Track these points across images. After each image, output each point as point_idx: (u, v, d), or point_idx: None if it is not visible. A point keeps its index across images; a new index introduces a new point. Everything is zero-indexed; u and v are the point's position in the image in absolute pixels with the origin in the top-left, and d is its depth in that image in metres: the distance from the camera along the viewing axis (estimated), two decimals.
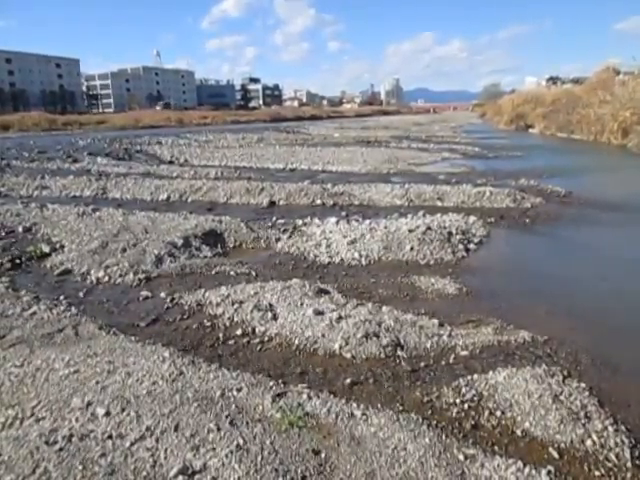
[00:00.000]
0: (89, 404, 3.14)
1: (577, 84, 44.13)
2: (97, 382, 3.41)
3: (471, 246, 6.96)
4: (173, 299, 5.12)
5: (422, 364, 3.78)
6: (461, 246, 6.81)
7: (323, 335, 4.17)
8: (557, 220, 8.63)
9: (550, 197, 10.44)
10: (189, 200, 10.82)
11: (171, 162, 18.86)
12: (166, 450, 2.71)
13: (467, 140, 28.88)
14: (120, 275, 5.86)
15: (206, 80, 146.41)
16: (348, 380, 3.54)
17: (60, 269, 6.09)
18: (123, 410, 3.07)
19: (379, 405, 3.21)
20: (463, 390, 3.38)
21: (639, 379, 3.64)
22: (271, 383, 3.44)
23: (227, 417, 3.00)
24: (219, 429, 2.88)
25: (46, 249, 6.82)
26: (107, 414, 3.03)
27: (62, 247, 6.92)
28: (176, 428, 2.90)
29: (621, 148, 22.30)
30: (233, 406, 3.13)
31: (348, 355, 3.91)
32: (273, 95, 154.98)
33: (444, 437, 2.90)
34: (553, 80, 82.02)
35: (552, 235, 7.88)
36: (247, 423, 2.96)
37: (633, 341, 4.29)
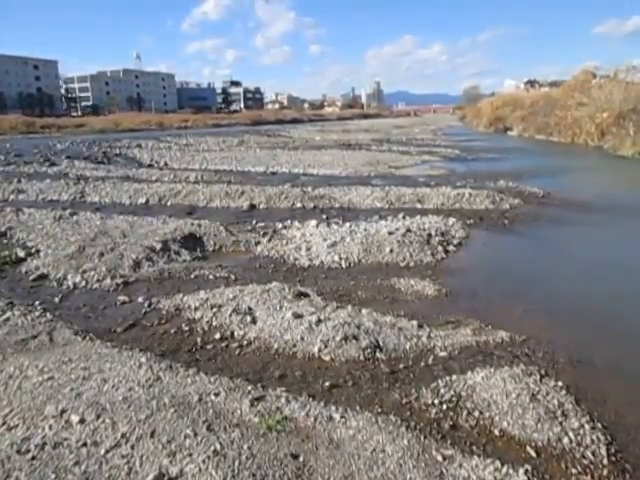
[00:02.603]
0: (63, 411, 3.08)
1: (555, 87, 44.78)
2: (72, 389, 3.35)
3: (450, 248, 7.00)
4: (151, 304, 5.07)
5: (401, 366, 3.79)
6: (440, 248, 6.85)
7: (302, 338, 4.16)
8: (535, 221, 8.74)
9: (528, 198, 10.57)
10: (168, 204, 10.73)
11: (151, 165, 18.70)
12: (142, 457, 2.67)
13: (447, 143, 29.16)
14: (97, 280, 5.78)
15: (187, 83, 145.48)
16: (327, 383, 3.53)
17: (35, 274, 5.99)
18: (98, 417, 3.02)
19: (358, 407, 3.21)
20: (442, 391, 3.40)
21: (614, 376, 3.70)
22: (249, 387, 3.42)
23: (204, 422, 2.97)
24: (196, 434, 2.85)
25: (21, 254, 6.70)
26: (82, 421, 2.97)
27: (38, 252, 6.80)
28: (152, 434, 2.85)
29: (598, 149, 22.69)
30: (211, 411, 3.10)
31: (327, 358, 3.90)
32: (254, 98, 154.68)
33: (423, 438, 2.90)
34: (531, 83, 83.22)
35: (530, 236, 7.97)
36: (225, 428, 2.93)
37: (608, 339, 4.35)
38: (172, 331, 4.45)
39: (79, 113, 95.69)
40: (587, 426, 2.98)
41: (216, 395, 3.29)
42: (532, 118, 34.32)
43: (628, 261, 6.78)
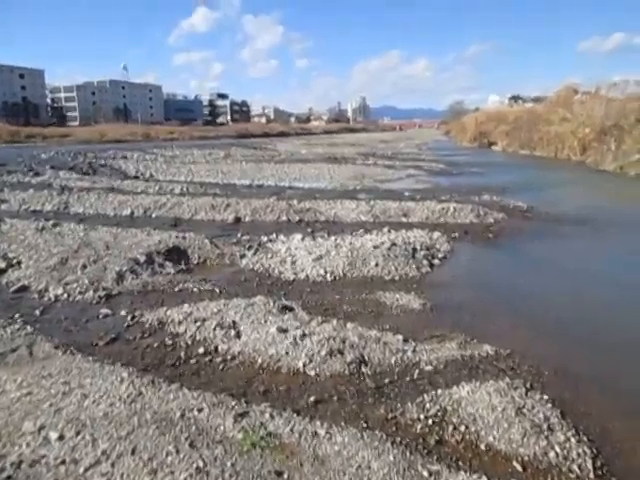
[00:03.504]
0: (41, 428, 3.01)
1: (538, 103, 45.52)
2: (51, 404, 3.28)
3: (435, 261, 7.03)
4: (134, 317, 5.00)
5: (386, 380, 3.77)
6: (425, 262, 6.87)
7: (287, 353, 4.12)
8: (519, 234, 8.82)
9: (512, 212, 10.67)
10: (153, 216, 10.65)
11: (136, 177, 18.57)
12: (122, 475, 2.61)
13: (432, 157, 29.42)
14: (79, 292, 5.69)
15: (174, 95, 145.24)
16: (312, 398, 3.50)
17: (16, 286, 5.88)
18: (78, 434, 2.95)
19: (343, 423, 3.18)
20: (427, 405, 3.38)
21: (599, 388, 3.72)
22: (233, 402, 3.37)
23: (187, 439, 2.92)
24: (178, 451, 2.79)
25: (2, 265, 6.59)
26: (60, 438, 2.91)
27: (19, 263, 6.69)
28: (133, 451, 2.80)
29: (580, 164, 23.05)
30: (193, 427, 3.05)
31: (312, 373, 3.87)
32: (241, 111, 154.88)
33: (408, 454, 2.88)
34: (515, 99, 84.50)
35: (514, 249, 8.04)
36: (208, 444, 2.88)
37: (592, 351, 4.39)
38: (155, 345, 4.39)
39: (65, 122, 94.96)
40: (573, 440, 2.99)
41: (199, 411, 3.24)
42: (516, 133, 34.79)
43: (610, 273, 6.85)
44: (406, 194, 13.46)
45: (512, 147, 34.36)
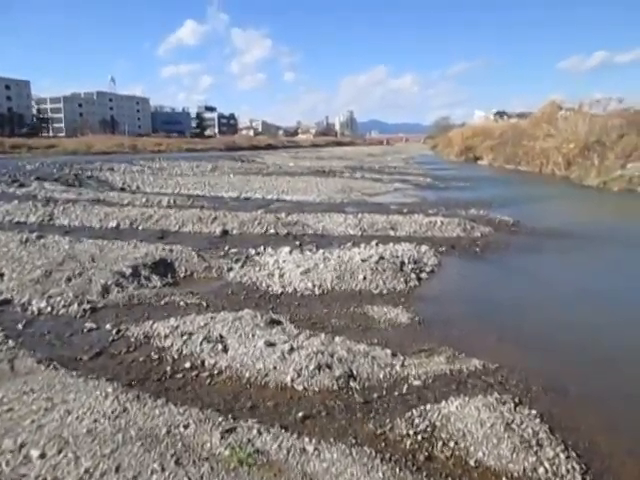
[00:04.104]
0: (22, 445, 2.93)
1: (523, 118, 46.17)
2: (32, 421, 3.20)
3: (423, 275, 7.04)
4: (119, 331, 4.92)
5: (375, 395, 3.74)
6: (413, 275, 6.87)
7: (275, 367, 4.08)
8: (506, 249, 8.87)
9: (499, 226, 10.76)
10: (140, 228, 10.56)
11: (123, 189, 18.46)
12: None
13: (419, 171, 29.65)
14: (64, 305, 5.60)
15: (161, 107, 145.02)
16: (300, 414, 3.45)
17: None
18: (60, 451, 2.88)
19: (332, 439, 3.14)
20: (416, 421, 3.36)
21: (587, 403, 3.73)
22: (220, 418, 3.32)
23: (172, 456, 2.86)
24: (163, 469, 2.74)
25: None
26: (42, 456, 2.83)
27: (1, 275, 6.57)
28: (117, 469, 2.73)
29: (565, 179, 23.36)
30: (179, 444, 2.99)
31: (300, 387, 3.83)
32: (229, 124, 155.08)
33: (398, 470, 2.85)
34: (500, 114, 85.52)
35: (501, 263, 8.08)
36: (194, 462, 2.82)
37: (579, 365, 4.41)
38: (140, 359, 4.32)
39: (51, 134, 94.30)
40: (562, 455, 2.98)
41: (185, 427, 3.18)
42: (501, 148, 35.24)
43: (596, 287, 6.91)
44: (394, 208, 13.52)
45: (498, 162, 34.77)
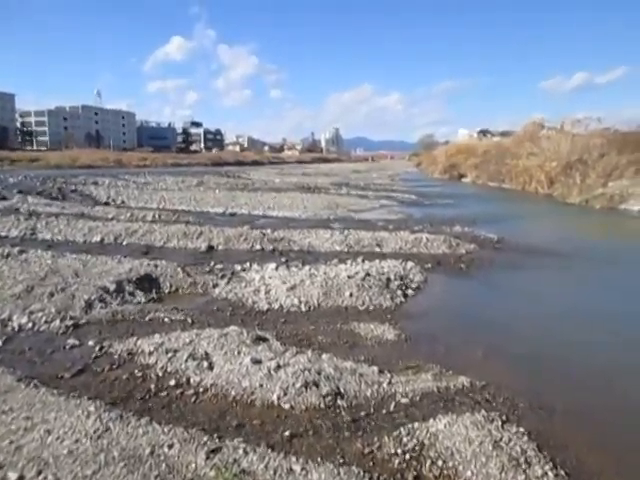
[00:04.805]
0: (0, 467, 2.84)
1: (506, 137, 46.87)
2: (11, 442, 3.11)
3: (409, 292, 7.04)
4: (102, 348, 4.83)
5: (363, 413, 3.71)
6: (399, 292, 6.88)
7: (261, 385, 4.03)
8: (490, 265, 8.93)
9: (483, 243, 10.83)
10: (124, 243, 10.45)
11: (107, 203, 18.30)
12: None
13: (404, 188, 29.87)
14: (45, 321, 5.50)
15: (147, 122, 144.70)
16: (287, 432, 3.41)
17: None
18: (39, 473, 2.80)
19: (319, 458, 3.10)
20: (404, 439, 3.33)
21: (573, 420, 3.73)
22: (205, 438, 3.25)
23: (156, 477, 2.80)
24: None
25: None
26: (20, 478, 2.75)
27: None
28: None
29: (548, 197, 23.68)
30: (163, 465, 2.92)
31: (287, 406, 3.78)
32: (215, 139, 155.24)
33: None
34: (484, 133, 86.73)
35: (486, 280, 8.12)
36: None
37: (565, 382, 4.42)
38: (124, 377, 4.24)
39: (35, 147, 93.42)
40: (550, 474, 2.97)
41: (170, 447, 3.12)
42: (485, 166, 35.67)
43: (579, 303, 6.98)
44: (379, 224, 13.57)
45: (481, 179, 35.17)
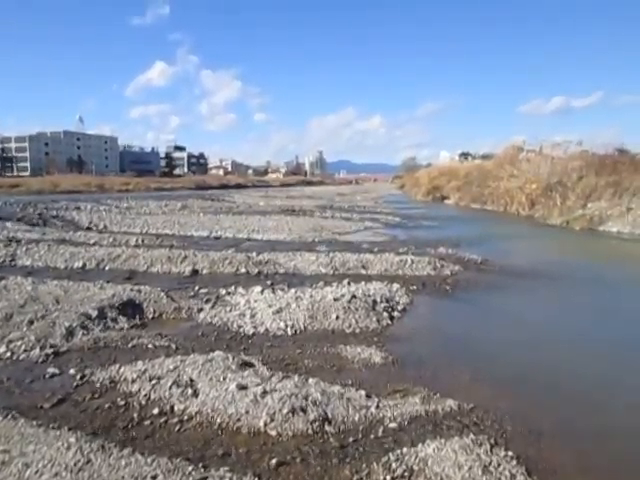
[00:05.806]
0: None
1: (487, 159, 47.57)
2: None
3: (395, 314, 7.03)
4: (83, 376, 4.72)
5: (351, 439, 3.65)
6: (386, 314, 6.86)
7: (247, 411, 3.95)
8: (475, 287, 8.96)
9: (468, 264, 10.88)
10: (107, 268, 10.32)
11: (89, 228, 18.11)
12: None
13: (388, 210, 30.06)
14: (25, 350, 5.36)
15: (130, 146, 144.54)
16: (274, 460, 3.33)
17: None
18: None
19: None
20: (393, 465, 3.28)
21: (562, 444, 3.70)
22: (190, 468, 3.17)
23: None
24: None
25: None
26: None
27: None
28: None
29: (529, 218, 23.98)
30: None
31: (274, 432, 3.71)
32: (198, 163, 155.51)
33: None
34: (465, 155, 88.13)
35: (471, 301, 8.14)
36: None
37: (553, 405, 4.39)
38: (106, 406, 4.14)
39: (16, 173, 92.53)
40: None
41: (153, 478, 3.03)
42: (467, 188, 36.09)
43: (563, 325, 7.01)
44: (364, 246, 13.60)
45: (464, 201, 35.54)
